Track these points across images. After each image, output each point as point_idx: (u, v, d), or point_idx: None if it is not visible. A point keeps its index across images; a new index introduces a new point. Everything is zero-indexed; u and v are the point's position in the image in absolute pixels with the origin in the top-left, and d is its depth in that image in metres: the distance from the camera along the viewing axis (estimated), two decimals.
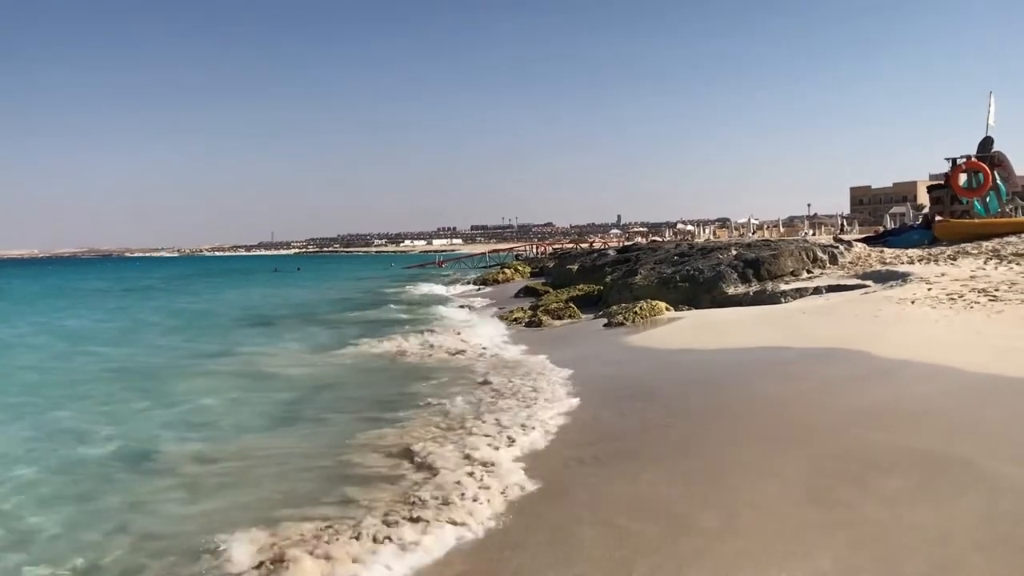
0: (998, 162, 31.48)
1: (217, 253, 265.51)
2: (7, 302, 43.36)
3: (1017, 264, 19.33)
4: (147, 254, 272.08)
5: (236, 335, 23.80)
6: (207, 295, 46.59)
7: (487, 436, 9.41)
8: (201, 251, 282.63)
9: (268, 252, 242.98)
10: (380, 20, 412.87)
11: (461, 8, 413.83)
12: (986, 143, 31.82)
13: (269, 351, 19.57)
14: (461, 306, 31.43)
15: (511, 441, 9.12)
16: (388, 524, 6.76)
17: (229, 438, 10.57)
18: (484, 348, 17.93)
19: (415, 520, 6.80)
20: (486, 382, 13.29)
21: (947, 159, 32.11)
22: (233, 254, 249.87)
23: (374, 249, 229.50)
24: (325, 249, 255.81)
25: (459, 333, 20.78)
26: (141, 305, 39.45)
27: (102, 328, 27.76)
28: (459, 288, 44.41)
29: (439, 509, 7.04)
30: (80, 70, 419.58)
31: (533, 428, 9.66)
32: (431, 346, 18.78)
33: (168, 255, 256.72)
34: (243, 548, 6.42)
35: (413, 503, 7.26)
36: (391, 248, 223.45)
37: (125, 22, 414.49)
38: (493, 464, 8.29)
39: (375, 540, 6.45)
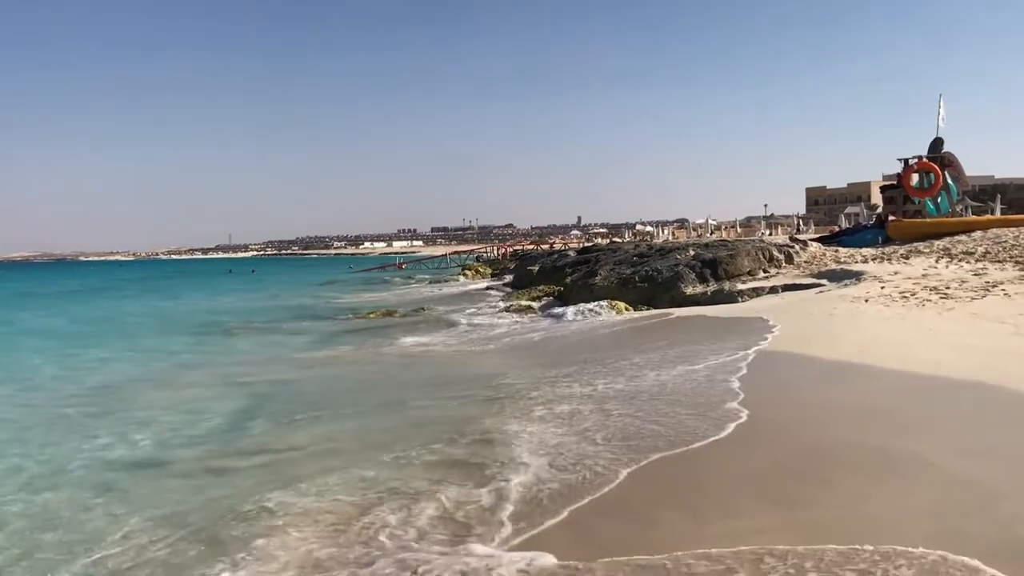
0: (948, 162, 32.21)
1: (174, 256, 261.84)
2: None
3: (967, 263, 19.75)
4: (102, 258, 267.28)
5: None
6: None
7: None
8: (157, 254, 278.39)
9: (226, 255, 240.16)
10: (337, 22, 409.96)
11: (420, 11, 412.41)
12: (937, 144, 32.54)
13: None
14: (421, 308, 31.31)
15: None
16: None
17: None
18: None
19: None
20: None
21: (899, 160, 32.85)
22: (190, 257, 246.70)
23: (333, 251, 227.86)
24: (284, 252, 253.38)
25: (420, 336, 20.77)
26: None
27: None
28: (420, 290, 44.16)
29: None
30: (30, 65, 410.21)
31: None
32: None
33: (124, 259, 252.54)
34: None
35: None
36: (351, 250, 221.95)
37: (68, 14, 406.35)
38: None
39: None
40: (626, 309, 21.14)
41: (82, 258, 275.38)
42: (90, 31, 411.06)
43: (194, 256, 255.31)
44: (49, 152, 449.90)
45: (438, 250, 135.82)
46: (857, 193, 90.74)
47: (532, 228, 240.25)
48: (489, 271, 54.62)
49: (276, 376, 15.40)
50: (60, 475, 9.04)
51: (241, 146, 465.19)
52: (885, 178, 57.96)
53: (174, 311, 36.23)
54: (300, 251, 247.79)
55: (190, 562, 6.24)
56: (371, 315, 27.14)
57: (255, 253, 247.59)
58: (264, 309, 34.59)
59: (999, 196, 44.29)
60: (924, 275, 18.43)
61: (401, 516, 6.74)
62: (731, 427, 8.42)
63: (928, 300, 15.08)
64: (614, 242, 59.91)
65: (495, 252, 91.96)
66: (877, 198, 65.36)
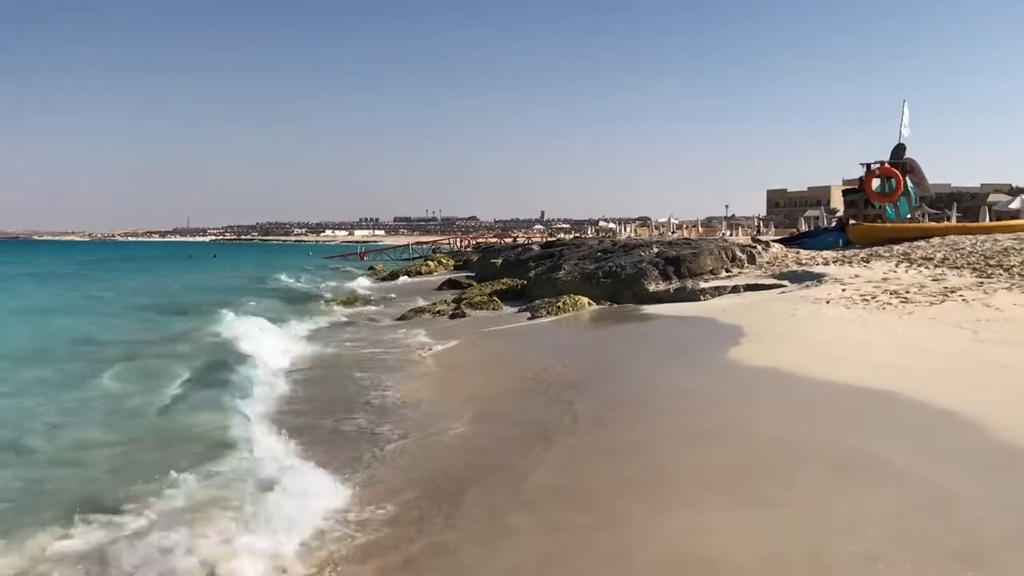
0: (910, 168, 32.65)
1: (131, 239, 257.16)
2: None
3: (926, 268, 19.99)
4: (57, 238, 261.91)
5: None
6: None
7: None
8: (114, 236, 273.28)
9: (184, 239, 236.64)
10: (299, 7, 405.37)
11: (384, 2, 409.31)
12: (899, 150, 32.95)
13: None
14: (381, 298, 31.06)
15: None
16: None
17: None
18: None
19: None
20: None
21: (862, 164, 33.15)
22: (147, 240, 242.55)
23: (293, 238, 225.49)
24: (243, 237, 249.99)
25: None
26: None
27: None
28: (380, 281, 43.75)
29: None
30: None
31: None
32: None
33: (79, 239, 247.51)
34: None
35: None
36: (312, 237, 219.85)
37: None
38: None
39: None
40: (589, 304, 21.13)
41: (35, 237, 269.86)
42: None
43: (151, 239, 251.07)
44: (1, 124, 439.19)
45: (401, 240, 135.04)
46: (817, 196, 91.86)
47: (495, 221, 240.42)
48: (452, 263, 54.41)
49: None
50: None
51: (202, 128, 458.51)
52: (846, 182, 58.67)
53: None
54: (260, 237, 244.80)
55: None
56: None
57: (213, 238, 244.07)
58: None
59: (955, 204, 45.07)
60: (884, 279, 18.62)
61: None
62: None
63: (888, 304, 15.21)
64: (578, 237, 60.04)
65: (458, 244, 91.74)
66: (837, 202, 66.27)
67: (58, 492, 7.56)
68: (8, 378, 13.27)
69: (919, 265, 20.58)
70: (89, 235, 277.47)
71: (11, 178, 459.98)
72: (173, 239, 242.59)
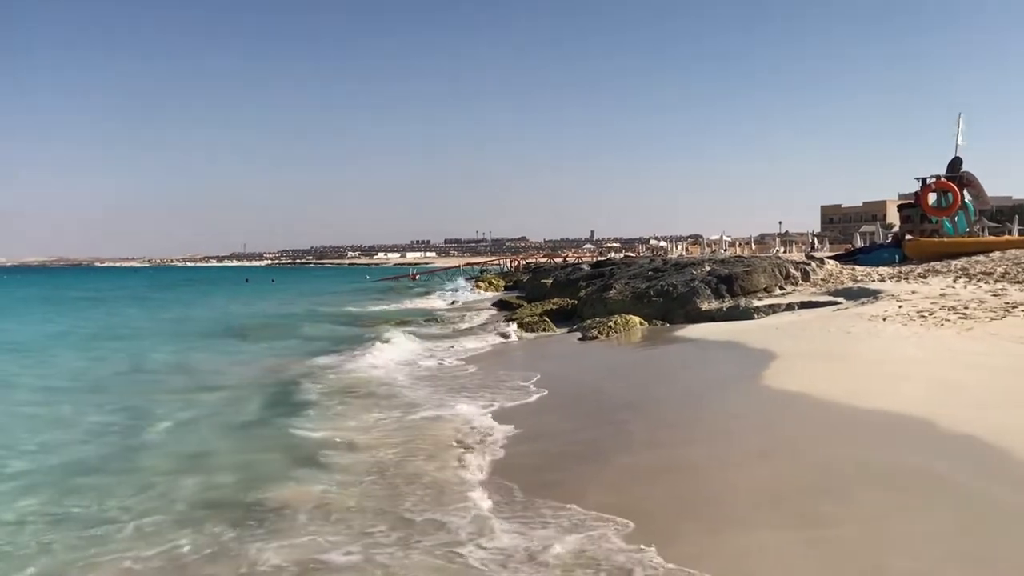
0: (967, 181, 32.01)
1: (188, 264, 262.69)
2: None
3: (986, 283, 19.60)
4: (117, 264, 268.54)
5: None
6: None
7: None
8: (172, 261, 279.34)
9: (240, 263, 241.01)
10: (354, 33, 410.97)
11: (438, 23, 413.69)
12: (955, 163, 32.34)
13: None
14: (432, 319, 31.33)
15: None
16: None
17: None
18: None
19: None
20: None
21: (917, 179, 32.59)
22: (204, 265, 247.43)
23: (347, 261, 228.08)
24: (298, 261, 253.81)
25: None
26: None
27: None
28: (433, 301, 44.17)
29: None
30: (49, 73, 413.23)
31: None
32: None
33: (138, 265, 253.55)
34: None
35: None
36: (364, 260, 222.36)
37: (88, 23, 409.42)
38: None
39: None
40: (640, 323, 21.09)
41: (97, 264, 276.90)
42: (104, 35, 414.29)
43: (209, 264, 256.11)
44: (66, 159, 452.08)
45: (451, 261, 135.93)
46: (872, 212, 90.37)
47: (545, 241, 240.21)
48: (502, 283, 54.65)
49: None
50: None
51: (256, 155, 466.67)
52: (901, 197, 57.60)
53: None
54: (315, 260, 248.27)
55: None
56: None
57: (269, 262, 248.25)
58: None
59: (1017, 217, 43.98)
60: (942, 294, 18.29)
61: None
62: None
63: (947, 320, 14.96)
64: (628, 256, 59.88)
65: (508, 264, 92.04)
66: (893, 217, 65.08)
67: None
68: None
69: (978, 280, 20.18)
70: (148, 261, 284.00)
71: (73, 207, 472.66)
72: (230, 264, 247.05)
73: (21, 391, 15.82)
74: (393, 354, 19.25)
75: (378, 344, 20.39)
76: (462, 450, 9.66)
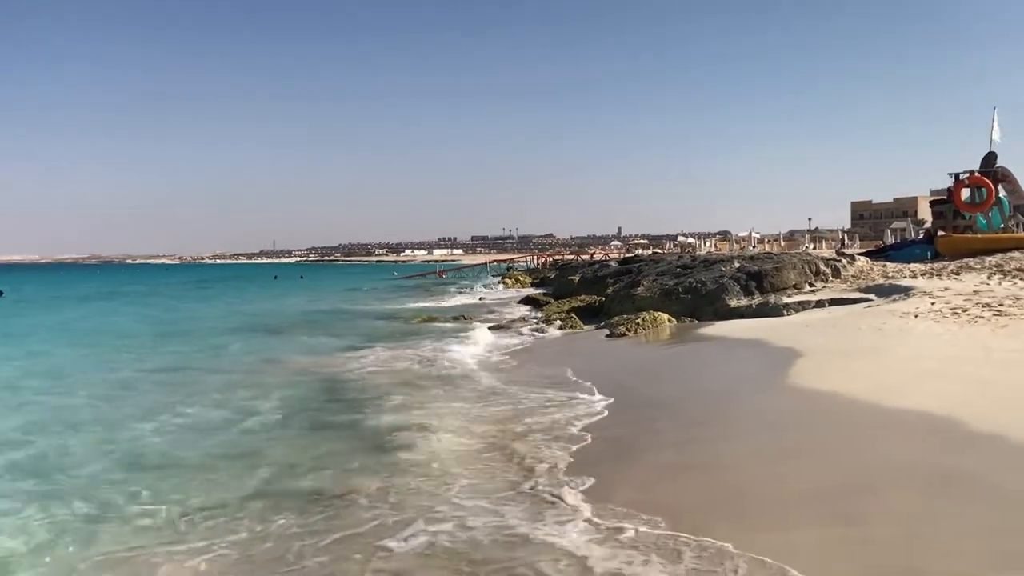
0: (1003, 176, 31.54)
1: (219, 261, 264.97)
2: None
3: (1021, 279, 19.31)
4: (148, 261, 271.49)
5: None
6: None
7: None
8: (202, 259, 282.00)
9: (269, 260, 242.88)
10: (387, 31, 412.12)
11: (464, 22, 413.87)
12: (989, 158, 31.85)
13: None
14: (461, 316, 31.34)
15: None
16: None
17: None
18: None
19: None
20: None
21: (950, 174, 32.14)
22: (234, 262, 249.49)
23: (375, 258, 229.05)
24: (326, 257, 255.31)
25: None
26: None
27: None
28: (462, 298, 44.24)
29: None
30: (84, 71, 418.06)
31: None
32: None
33: (169, 262, 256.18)
34: None
35: None
36: (392, 257, 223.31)
37: (127, 23, 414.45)
38: None
39: None
40: (668, 320, 20.96)
41: (128, 261, 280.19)
42: (141, 32, 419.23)
43: (239, 261, 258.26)
44: (98, 157, 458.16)
45: (478, 259, 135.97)
46: (903, 208, 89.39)
47: (572, 238, 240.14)
48: (529, 280, 54.64)
49: None
50: None
51: (285, 153, 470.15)
52: (933, 193, 56.88)
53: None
54: (343, 257, 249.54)
55: None
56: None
57: (298, 259, 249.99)
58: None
59: None
60: (976, 291, 18.04)
61: None
62: None
63: (980, 317, 14.73)
64: (656, 253, 59.63)
65: (535, 261, 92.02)
66: (924, 213, 64.36)
67: None
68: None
69: (1013, 277, 19.88)
70: (179, 258, 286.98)
71: (106, 204, 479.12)
72: (259, 261, 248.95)
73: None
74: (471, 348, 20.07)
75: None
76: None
